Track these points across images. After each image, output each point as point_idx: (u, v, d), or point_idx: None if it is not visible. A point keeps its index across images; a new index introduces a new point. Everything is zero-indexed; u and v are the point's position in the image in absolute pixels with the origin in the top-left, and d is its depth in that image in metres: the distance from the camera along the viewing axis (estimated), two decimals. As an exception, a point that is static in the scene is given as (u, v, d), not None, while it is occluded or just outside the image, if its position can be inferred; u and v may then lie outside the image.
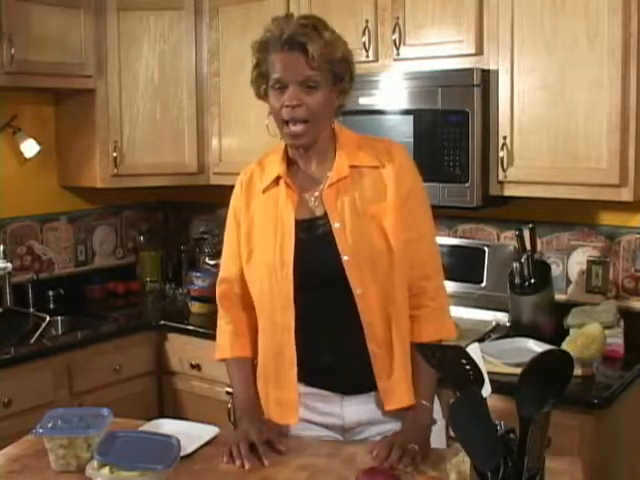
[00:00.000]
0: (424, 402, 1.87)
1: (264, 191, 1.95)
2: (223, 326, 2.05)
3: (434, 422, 1.89)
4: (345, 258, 1.84)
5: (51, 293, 3.73)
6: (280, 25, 1.84)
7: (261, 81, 1.89)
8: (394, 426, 1.89)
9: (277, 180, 1.93)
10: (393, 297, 1.87)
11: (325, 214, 1.88)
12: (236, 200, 2.01)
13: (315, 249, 1.88)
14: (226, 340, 2.03)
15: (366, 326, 1.86)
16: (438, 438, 1.90)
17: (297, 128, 1.83)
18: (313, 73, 1.81)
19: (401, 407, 1.88)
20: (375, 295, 1.86)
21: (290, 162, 1.95)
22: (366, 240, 1.85)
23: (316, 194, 1.91)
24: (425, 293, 1.92)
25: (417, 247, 1.90)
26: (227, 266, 2.03)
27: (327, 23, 1.87)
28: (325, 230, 1.87)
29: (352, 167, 1.89)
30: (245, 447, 1.80)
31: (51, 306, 3.71)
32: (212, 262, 3.73)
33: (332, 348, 1.89)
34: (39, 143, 3.65)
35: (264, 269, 1.90)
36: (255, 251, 1.93)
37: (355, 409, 1.92)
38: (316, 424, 1.95)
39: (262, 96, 1.92)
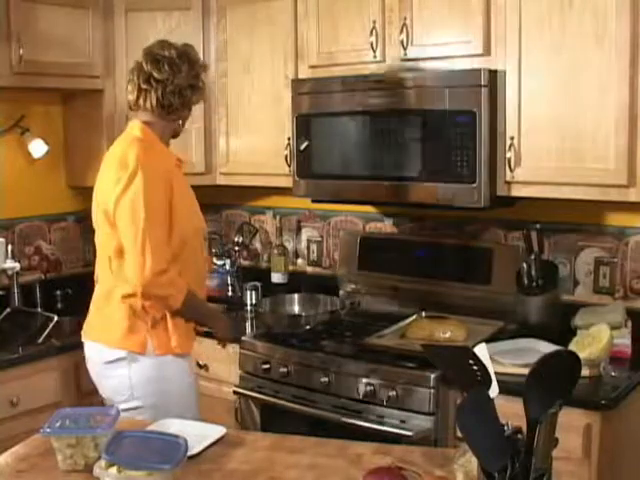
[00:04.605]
0: None
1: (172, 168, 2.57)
2: (174, 279, 2.48)
3: None
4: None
5: (59, 293, 3.74)
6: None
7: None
8: None
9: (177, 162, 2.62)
10: None
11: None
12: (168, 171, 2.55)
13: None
14: (182, 284, 2.50)
15: None
16: None
17: None
18: None
19: None
20: None
21: None
22: None
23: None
24: None
25: None
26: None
27: None
28: None
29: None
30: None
31: (59, 306, 3.71)
32: (219, 262, 3.74)
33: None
34: (47, 143, 3.66)
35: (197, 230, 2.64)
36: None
37: None
38: None
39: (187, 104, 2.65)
